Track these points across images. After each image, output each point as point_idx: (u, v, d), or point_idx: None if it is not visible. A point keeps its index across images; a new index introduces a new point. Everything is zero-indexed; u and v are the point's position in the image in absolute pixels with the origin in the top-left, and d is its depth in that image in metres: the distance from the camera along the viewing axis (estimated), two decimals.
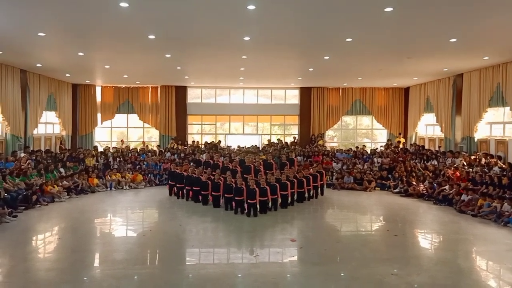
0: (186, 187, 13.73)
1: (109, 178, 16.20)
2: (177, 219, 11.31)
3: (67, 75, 17.89)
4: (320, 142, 21.16)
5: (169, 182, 14.80)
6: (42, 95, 17.63)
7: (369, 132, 23.68)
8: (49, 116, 18.88)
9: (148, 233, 9.92)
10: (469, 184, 13.16)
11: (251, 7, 8.32)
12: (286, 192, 12.48)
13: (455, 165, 14.94)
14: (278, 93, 22.52)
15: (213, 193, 12.71)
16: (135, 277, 6.86)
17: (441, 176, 14.81)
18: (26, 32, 10.41)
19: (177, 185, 14.15)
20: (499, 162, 13.76)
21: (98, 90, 21.59)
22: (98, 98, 21.61)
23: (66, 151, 18.23)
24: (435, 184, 14.21)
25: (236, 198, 11.71)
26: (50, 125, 19.10)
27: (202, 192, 13.02)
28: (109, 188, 15.90)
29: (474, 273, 7.34)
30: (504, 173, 12.72)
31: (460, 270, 7.34)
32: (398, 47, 11.99)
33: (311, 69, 16.18)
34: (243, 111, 22.29)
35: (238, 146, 19.85)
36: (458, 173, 14.18)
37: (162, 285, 6.44)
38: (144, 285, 6.53)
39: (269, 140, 21.41)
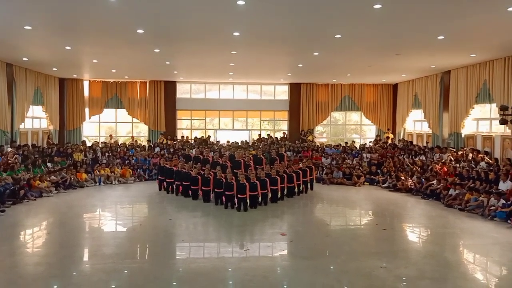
0: (176, 182, 13.69)
1: (98, 173, 16.08)
2: (167, 213, 11.28)
3: (54, 69, 17.68)
4: (310, 138, 21.25)
5: (159, 177, 14.74)
6: (29, 89, 17.39)
7: (358, 128, 23.84)
8: (36, 110, 18.64)
9: (138, 228, 9.89)
10: (456, 179, 13.34)
11: (240, 2, 8.29)
12: (276, 187, 12.53)
13: (442, 161, 15.13)
14: (267, 89, 22.54)
15: (203, 188, 12.70)
16: (125, 271, 6.84)
17: (428, 171, 14.98)
18: (12, 25, 10.23)
19: (167, 180, 14.10)
20: (485, 157, 13.97)
21: (86, 84, 21.36)
22: (86, 92, 21.38)
23: (53, 145, 18.04)
24: (423, 179, 14.37)
25: (226, 192, 11.71)
26: (37, 119, 18.86)
27: (192, 187, 13.00)
28: (98, 183, 15.79)
29: (461, 266, 7.47)
30: (491, 168, 12.92)
31: (447, 263, 7.45)
32: (387, 43, 12.07)
33: (300, 65, 16.21)
34: (233, 106, 22.26)
35: (227, 142, 19.84)
36: (445, 168, 14.36)
37: (152, 279, 6.43)
38: (134, 279, 6.51)
39: (259, 135, 21.43)
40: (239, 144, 19.39)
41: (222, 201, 11.99)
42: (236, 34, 10.95)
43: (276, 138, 21.06)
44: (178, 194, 13.67)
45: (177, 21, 9.83)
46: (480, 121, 15.80)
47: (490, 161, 13.58)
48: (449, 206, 12.10)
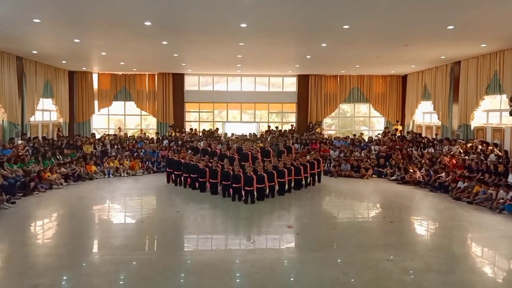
0: (184, 174, 13.76)
1: (107, 165, 16.22)
2: (175, 206, 11.37)
3: (64, 62, 17.79)
4: (318, 130, 21.20)
5: (167, 170, 14.83)
6: (39, 82, 17.54)
7: (367, 120, 23.71)
8: (46, 103, 18.81)
9: (146, 220, 9.99)
10: (465, 171, 13.24)
11: None
12: (284, 179, 12.55)
13: (451, 153, 15.01)
14: (275, 81, 22.47)
15: (210, 180, 12.76)
16: (134, 262, 6.93)
17: (437, 163, 14.88)
18: (22, 18, 10.31)
19: (175, 172, 14.18)
20: (495, 149, 13.84)
21: (95, 77, 21.49)
22: (95, 85, 21.51)
23: (63, 138, 18.22)
24: (431, 172, 14.29)
25: (233, 185, 11.76)
26: (47, 112, 19.05)
27: (199, 179, 13.07)
28: (107, 175, 15.94)
29: (469, 259, 7.45)
30: (500, 160, 12.80)
31: (454, 256, 7.44)
32: (396, 34, 11.95)
33: (308, 57, 16.13)
34: (241, 98, 22.25)
35: (232, 134, 19.88)
36: (454, 161, 14.26)
37: (160, 271, 6.51)
38: (142, 270, 6.60)
39: (269, 127, 21.43)
40: (246, 136, 19.41)
41: (229, 193, 12.04)
42: (244, 25, 10.91)
43: (284, 130, 21.04)
44: (186, 186, 13.75)
45: (184, 13, 9.83)
46: (490, 112, 15.62)
47: (500, 154, 13.44)
48: (457, 199, 12.04)
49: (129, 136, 19.95)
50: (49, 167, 14.00)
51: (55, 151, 15.77)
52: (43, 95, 18.04)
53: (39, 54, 15.54)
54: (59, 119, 19.73)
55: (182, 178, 13.92)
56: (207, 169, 12.91)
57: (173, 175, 14.38)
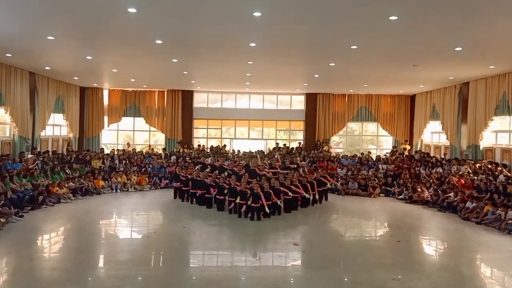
0: (191, 190, 13.79)
1: (115, 180, 16.32)
2: (181, 221, 11.35)
3: (75, 78, 18.10)
4: (325, 148, 21.20)
5: (174, 185, 14.88)
6: (50, 98, 17.84)
7: (375, 139, 23.68)
8: (57, 118, 19.08)
9: (153, 235, 10.00)
10: (474, 192, 13.12)
11: (256, 13, 8.42)
12: (290, 197, 12.52)
13: (460, 173, 14.90)
14: (283, 99, 22.60)
15: (217, 196, 12.76)
16: (139, 278, 6.93)
17: (446, 183, 14.78)
18: (36, 35, 10.59)
19: (182, 188, 14.21)
20: (504, 170, 13.73)
21: (106, 93, 21.81)
22: (106, 101, 21.82)
23: (73, 153, 18.40)
24: (439, 191, 14.18)
25: (239, 201, 11.75)
26: (57, 127, 19.31)
27: (206, 195, 13.09)
28: (114, 190, 16.03)
29: (477, 280, 7.35)
30: (509, 181, 12.69)
31: (462, 277, 7.34)
32: (404, 55, 12.04)
33: (316, 76, 16.25)
34: (249, 116, 22.38)
35: (238, 151, 19.96)
36: (463, 181, 14.15)
37: (165, 286, 6.51)
38: (147, 285, 6.60)
39: (277, 144, 21.50)
40: (253, 153, 19.48)
41: (236, 210, 12.03)
42: (253, 44, 11.08)
43: (292, 147, 21.07)
44: (192, 202, 13.76)
45: (194, 32, 10.03)
46: (499, 133, 15.55)
47: (509, 174, 13.33)
48: (466, 219, 11.91)
49: (137, 152, 20.10)
50: (57, 182, 14.13)
51: (64, 166, 15.92)
52: (54, 110, 18.33)
53: (52, 70, 15.85)
54: (69, 134, 19.97)
55: (190, 193, 13.91)
56: (214, 185, 12.91)
57: (179, 191, 14.40)
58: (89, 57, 13.19)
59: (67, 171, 15.72)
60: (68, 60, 14.10)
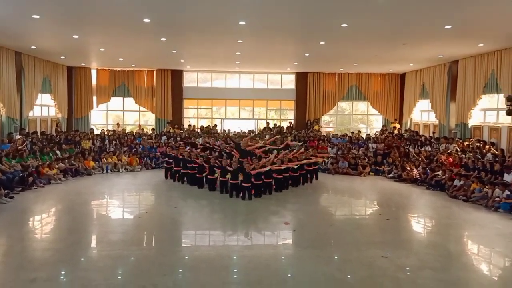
0: (182, 170, 13.79)
1: (105, 161, 16.27)
2: (172, 202, 11.41)
3: (62, 57, 17.78)
4: (316, 127, 21.26)
5: (165, 165, 14.86)
6: (37, 78, 17.53)
7: (365, 118, 23.76)
8: (45, 98, 18.81)
9: (144, 215, 10.05)
10: (461, 170, 13.31)
11: None
12: (281, 176, 12.59)
13: (448, 151, 15.08)
14: (274, 78, 22.49)
15: (208, 176, 12.78)
16: (131, 258, 6.98)
17: (434, 161, 14.96)
18: (21, 14, 10.31)
19: (174, 168, 14.19)
20: (492, 148, 13.91)
21: (94, 73, 21.47)
22: (94, 81, 21.50)
23: (62, 133, 18.24)
24: (428, 170, 14.37)
25: (231, 181, 11.79)
26: (45, 107, 19.04)
27: (197, 175, 13.10)
28: (105, 171, 15.99)
29: (464, 257, 7.54)
30: (497, 159, 12.88)
31: (449, 254, 7.51)
32: (394, 33, 11.99)
33: (307, 54, 16.17)
34: (239, 95, 22.26)
35: (229, 130, 19.94)
36: (451, 159, 14.33)
37: (158, 266, 6.57)
38: (140, 265, 6.66)
39: (267, 124, 21.50)
40: (245, 132, 19.48)
41: (227, 189, 12.08)
42: (242, 23, 10.94)
43: (282, 127, 21.09)
44: (183, 182, 13.79)
45: (183, 10, 9.85)
46: (487, 111, 15.69)
47: (496, 152, 13.52)
48: (453, 197, 12.12)
49: (128, 132, 19.97)
50: (47, 162, 14.03)
51: (53, 146, 15.79)
52: (41, 90, 18.03)
53: (38, 49, 15.54)
54: (57, 114, 19.73)
55: (180, 173, 13.92)
56: (205, 165, 12.91)
57: (171, 171, 14.40)
58: (75, 36, 12.92)
59: (56, 152, 15.61)
60: (54, 40, 13.81)
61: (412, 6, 9.22)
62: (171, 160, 14.33)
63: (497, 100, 15.04)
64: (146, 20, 10.69)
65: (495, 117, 15.20)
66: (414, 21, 10.57)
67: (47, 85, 18.46)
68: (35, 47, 15.12)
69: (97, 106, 21.76)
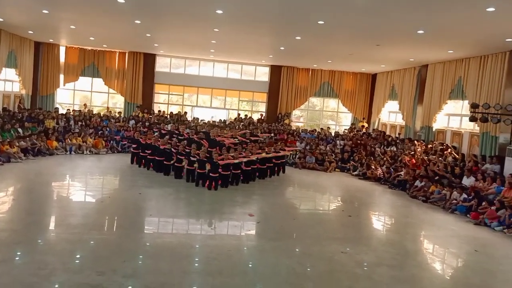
0: (149, 156, 13.60)
1: (69, 141, 15.84)
2: (137, 187, 11.24)
3: (30, 32, 17.10)
4: (286, 121, 21.40)
5: (132, 150, 14.61)
6: (2, 51, 16.78)
7: (335, 115, 24.09)
8: (9, 73, 18.06)
9: (107, 200, 9.89)
10: (424, 172, 13.70)
11: None
12: (249, 168, 12.63)
13: (412, 153, 15.48)
14: (248, 69, 22.42)
15: (175, 164, 12.67)
16: (91, 242, 6.86)
17: (398, 162, 15.35)
18: None
19: (140, 154, 13.97)
20: (453, 152, 14.40)
21: (62, 50, 20.75)
22: (62, 58, 20.80)
23: (25, 110, 17.61)
24: (392, 169, 14.74)
25: (198, 170, 11.74)
26: (9, 82, 18.28)
27: (164, 162, 12.96)
28: (68, 152, 15.58)
29: (419, 255, 7.81)
30: (457, 163, 13.35)
31: (406, 252, 7.75)
32: (368, 34, 12.17)
33: (282, 48, 16.19)
34: (212, 84, 22.07)
35: (198, 119, 19.85)
36: (413, 160, 14.74)
37: (117, 252, 6.48)
38: (99, 250, 6.56)
39: (238, 115, 21.46)
40: (215, 122, 19.41)
41: (193, 178, 12.01)
42: (220, 12, 10.83)
43: (252, 118, 21.13)
44: (149, 168, 13.60)
45: None
46: (451, 116, 16.21)
47: (457, 156, 14.01)
48: (413, 197, 12.49)
49: (95, 114, 19.49)
50: (8, 140, 13.54)
51: (15, 123, 15.23)
52: (6, 65, 17.31)
53: (5, 22, 14.87)
54: (21, 91, 19.01)
55: (147, 159, 13.72)
56: (173, 152, 12.78)
57: (137, 156, 14.17)
58: (45, 11, 12.44)
59: (18, 129, 15.07)
60: (23, 13, 13.25)
61: (388, 9, 9.37)
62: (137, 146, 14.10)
63: (462, 106, 15.55)
64: (121, 0, 10.41)
65: (459, 122, 15.71)
66: (389, 24, 10.78)
67: (12, 60, 17.71)
68: (1, 20, 14.46)
69: (64, 85, 21.07)
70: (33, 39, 19.28)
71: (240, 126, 19.27)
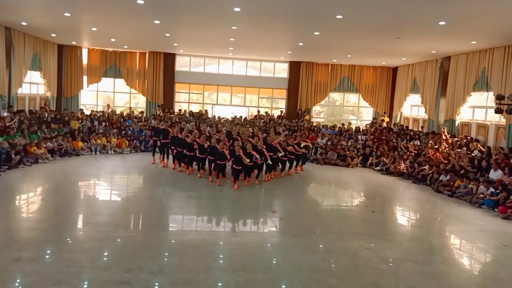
0: (171, 147, 13.38)
1: (94, 142, 16.16)
2: (161, 185, 11.39)
3: (53, 35, 17.49)
4: (307, 117, 21.31)
5: (153, 138, 14.37)
6: (27, 54, 17.24)
7: (356, 110, 23.86)
8: (34, 76, 18.52)
9: (132, 198, 10.04)
10: (449, 165, 13.46)
11: None
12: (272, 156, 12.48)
13: (435, 146, 15.23)
14: (267, 66, 22.41)
15: (198, 155, 12.40)
16: (118, 240, 7.00)
17: (422, 156, 15.12)
18: None
19: (161, 140, 13.75)
20: (478, 145, 14.10)
21: (85, 52, 21.17)
22: (85, 60, 21.21)
23: (51, 112, 18.03)
24: (415, 164, 14.53)
25: (218, 162, 11.65)
26: (34, 85, 18.77)
27: (187, 153, 12.67)
28: (94, 152, 15.90)
29: (445, 251, 7.67)
30: (483, 156, 13.06)
31: (431, 247, 7.64)
32: (388, 27, 12.01)
33: (301, 44, 16.11)
34: (232, 82, 22.15)
35: (219, 117, 19.85)
36: (438, 154, 14.50)
37: (144, 249, 6.59)
38: (126, 248, 6.68)
39: (258, 112, 21.48)
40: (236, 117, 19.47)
41: (214, 169, 11.99)
42: (237, 9, 10.85)
43: (274, 115, 21.11)
44: (168, 159, 13.67)
45: None
46: (476, 108, 15.86)
47: (483, 149, 13.71)
48: (438, 192, 12.29)
49: (118, 114, 19.81)
50: (35, 141, 13.90)
51: (41, 125, 15.62)
52: (31, 68, 17.75)
53: (29, 26, 15.25)
54: (46, 93, 19.47)
55: (171, 150, 13.52)
56: (195, 143, 12.49)
57: (158, 145, 14.07)
58: (67, 14, 12.70)
59: (45, 131, 15.45)
60: (45, 16, 13.57)
61: (408, 1, 9.22)
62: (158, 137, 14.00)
63: (487, 98, 15.20)
64: (140, 1, 10.54)
65: (484, 114, 15.36)
66: (409, 16, 10.59)
67: (36, 63, 18.16)
68: (25, 23, 14.84)
69: (88, 86, 21.51)
70: (56, 42, 19.71)
71: (261, 123, 19.27)
